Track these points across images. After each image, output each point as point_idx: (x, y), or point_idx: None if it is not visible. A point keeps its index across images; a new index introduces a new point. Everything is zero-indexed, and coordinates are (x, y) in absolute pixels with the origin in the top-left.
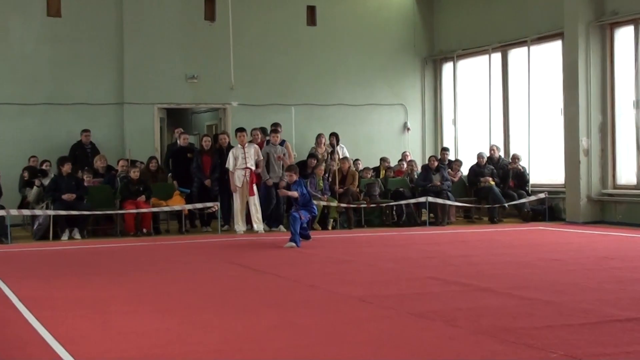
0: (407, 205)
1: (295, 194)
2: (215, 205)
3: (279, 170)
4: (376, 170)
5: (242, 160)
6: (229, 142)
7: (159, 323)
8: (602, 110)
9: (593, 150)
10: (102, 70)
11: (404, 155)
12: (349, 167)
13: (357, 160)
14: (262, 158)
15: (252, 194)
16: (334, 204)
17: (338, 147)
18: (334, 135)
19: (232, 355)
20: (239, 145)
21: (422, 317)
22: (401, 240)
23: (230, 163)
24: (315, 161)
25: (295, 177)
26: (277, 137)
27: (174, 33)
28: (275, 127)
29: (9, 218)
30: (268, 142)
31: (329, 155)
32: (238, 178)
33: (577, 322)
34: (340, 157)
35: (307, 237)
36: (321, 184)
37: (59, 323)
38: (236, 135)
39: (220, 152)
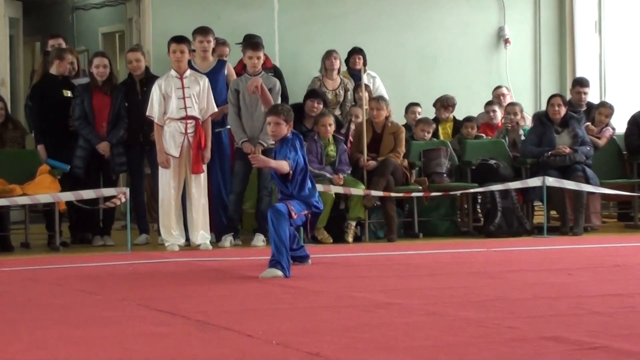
0: (505, 194)
1: (284, 165)
2: (121, 195)
3: (263, 125)
4: (454, 124)
5: (179, 103)
6: (147, 68)
7: None
8: None
9: None
10: None
11: (497, 95)
12: (388, 118)
13: (409, 106)
14: (215, 108)
15: (198, 170)
16: (359, 190)
17: (365, 76)
18: (357, 53)
19: None
20: (174, 73)
21: None
22: (493, 264)
23: (154, 108)
24: (321, 105)
25: (285, 129)
26: (259, 60)
27: None
28: (254, 41)
29: None
30: (243, 69)
31: (347, 94)
32: (172, 138)
33: None
34: (371, 96)
35: (302, 258)
36: (332, 151)
37: None
38: (168, 50)
39: (130, 87)
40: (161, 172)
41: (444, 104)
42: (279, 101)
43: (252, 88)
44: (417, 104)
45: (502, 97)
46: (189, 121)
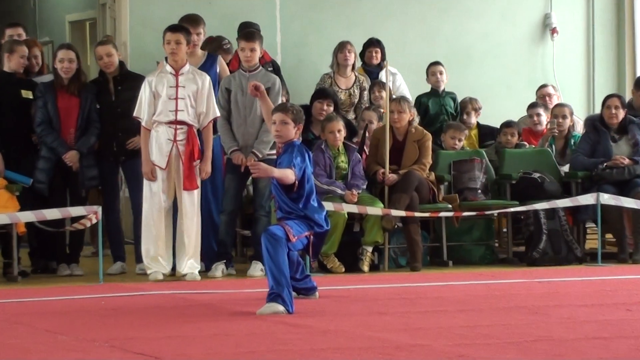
0: (552, 214)
1: (288, 173)
2: (91, 215)
3: (258, 132)
4: (479, 131)
5: (169, 104)
6: (122, 63)
7: None
8: None
9: None
10: None
11: (542, 95)
12: (411, 123)
13: (430, 66)
14: (217, 113)
15: (191, 186)
16: (376, 210)
17: (384, 72)
18: (374, 46)
19: None
20: (168, 68)
21: None
22: (536, 297)
23: (143, 108)
24: (332, 107)
25: (292, 131)
26: (254, 52)
27: None
28: (248, 30)
29: None
30: (239, 64)
31: (363, 94)
32: (158, 145)
33: None
34: (392, 96)
35: (308, 290)
36: (343, 163)
37: None
38: (164, 41)
39: (102, 86)
40: (146, 185)
41: (475, 106)
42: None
43: (252, 88)
44: (438, 63)
45: (548, 98)
46: (178, 127)
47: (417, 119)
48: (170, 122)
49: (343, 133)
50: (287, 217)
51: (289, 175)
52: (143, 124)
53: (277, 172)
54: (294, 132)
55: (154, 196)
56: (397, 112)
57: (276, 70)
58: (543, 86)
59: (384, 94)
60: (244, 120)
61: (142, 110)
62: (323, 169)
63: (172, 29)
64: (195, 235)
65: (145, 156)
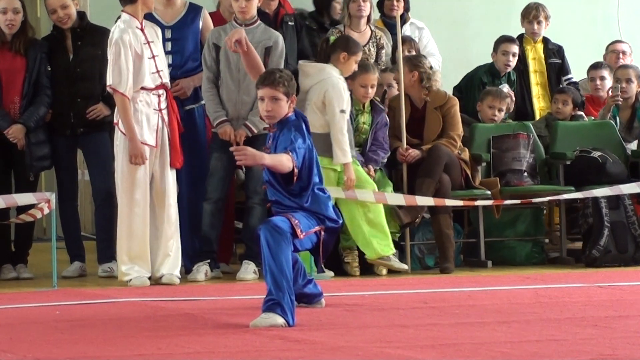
0: (616, 202)
1: (283, 160)
2: (43, 204)
3: (255, 100)
4: (545, 45)
5: (150, 64)
6: (83, 14)
7: None
8: None
9: None
10: None
11: (615, 52)
12: (427, 86)
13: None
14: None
15: (179, 162)
16: (394, 198)
17: (409, 26)
18: None
19: None
20: (131, 20)
21: None
22: (596, 306)
23: (123, 74)
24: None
25: (285, 107)
26: (251, 2)
27: None
28: None
29: None
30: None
31: (381, 53)
32: (146, 119)
33: None
34: (411, 57)
35: (311, 298)
36: (365, 125)
37: None
38: None
39: (56, 43)
40: (129, 169)
41: (545, 13)
42: (282, 67)
43: (232, 42)
44: (513, 41)
45: (616, 57)
46: (160, 92)
47: (435, 81)
48: (156, 87)
49: (374, 90)
50: (287, 210)
51: (284, 162)
52: (125, 93)
53: (269, 159)
54: (287, 107)
55: (138, 182)
56: (419, 74)
57: (297, 27)
58: (617, 42)
59: (414, 53)
60: (236, 86)
61: (122, 76)
62: None
63: None
64: (175, 227)
65: (133, 134)
